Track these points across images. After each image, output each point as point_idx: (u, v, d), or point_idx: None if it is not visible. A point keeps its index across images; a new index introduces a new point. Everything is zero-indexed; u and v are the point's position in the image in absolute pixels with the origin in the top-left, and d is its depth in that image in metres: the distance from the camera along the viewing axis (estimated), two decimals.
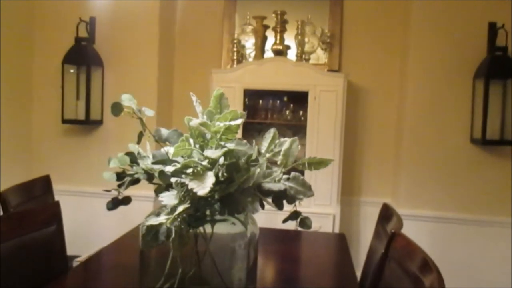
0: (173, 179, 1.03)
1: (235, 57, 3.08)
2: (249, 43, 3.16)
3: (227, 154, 1.04)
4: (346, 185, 3.04)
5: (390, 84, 3.09)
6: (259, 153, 1.22)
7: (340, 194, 2.88)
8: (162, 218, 0.96)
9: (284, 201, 1.21)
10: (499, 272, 2.69)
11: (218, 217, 1.18)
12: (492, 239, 2.71)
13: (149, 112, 1.20)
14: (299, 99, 2.92)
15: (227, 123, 1.05)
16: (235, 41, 3.07)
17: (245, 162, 1.12)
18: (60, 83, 2.99)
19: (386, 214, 1.79)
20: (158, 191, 1.26)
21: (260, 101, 3.00)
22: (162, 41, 3.09)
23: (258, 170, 1.11)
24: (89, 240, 2.90)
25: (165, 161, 1.18)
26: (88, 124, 2.98)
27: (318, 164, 1.18)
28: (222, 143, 1.09)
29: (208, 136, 1.10)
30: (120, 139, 3.08)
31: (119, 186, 1.38)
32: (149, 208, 3.06)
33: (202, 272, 1.21)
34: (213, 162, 1.08)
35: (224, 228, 1.20)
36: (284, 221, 1.27)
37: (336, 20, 3.10)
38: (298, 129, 2.95)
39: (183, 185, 1.01)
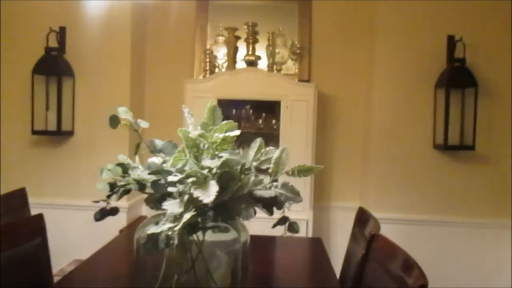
0: (173, 189, 1.08)
1: (207, 67, 3.13)
2: (220, 53, 3.21)
3: (224, 163, 1.10)
4: (316, 191, 3.13)
5: (357, 93, 3.22)
6: None
7: (313, 200, 2.97)
8: (166, 226, 1.00)
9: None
10: (464, 269, 2.86)
11: (210, 224, 1.23)
12: (456, 238, 2.87)
13: (144, 124, 1.24)
14: (271, 108, 3.00)
15: (224, 134, 1.10)
16: (208, 52, 3.12)
17: (239, 171, 1.18)
18: (29, 94, 2.94)
19: (362, 217, 1.88)
20: (149, 201, 1.30)
21: (234, 110, 3.06)
22: (134, 51, 3.09)
23: (253, 178, 1.17)
24: (60, 253, 2.85)
25: (161, 171, 1.22)
26: (59, 135, 2.94)
27: (307, 171, 1.26)
28: (217, 153, 1.14)
29: (205, 146, 1.15)
30: (92, 150, 3.05)
31: (108, 196, 1.40)
32: (122, 219, 3.06)
33: (197, 278, 1.25)
34: (209, 171, 1.13)
35: (218, 235, 1.25)
36: (274, 226, 1.33)
37: (305, 32, 3.22)
38: (270, 137, 3.02)
39: (181, 194, 1.05)
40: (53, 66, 2.92)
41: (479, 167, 2.87)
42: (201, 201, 0.96)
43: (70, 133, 3.02)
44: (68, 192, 3.03)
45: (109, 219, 3.22)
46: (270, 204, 1.26)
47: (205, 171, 1.04)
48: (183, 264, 1.23)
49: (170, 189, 1.13)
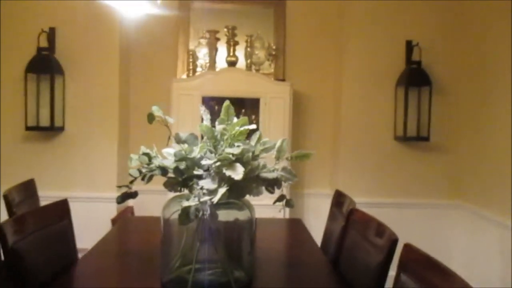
0: (201, 172, 1.35)
1: (190, 67, 3.38)
2: (201, 53, 3.47)
3: (242, 151, 1.38)
4: None
5: (326, 91, 3.57)
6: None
7: (289, 187, 3.29)
8: (202, 199, 1.27)
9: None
10: (421, 244, 3.26)
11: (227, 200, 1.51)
12: (413, 217, 3.27)
13: (170, 120, 1.50)
14: (251, 104, 3.30)
15: (242, 127, 1.39)
16: (191, 53, 3.37)
17: (251, 157, 1.47)
18: (22, 91, 3.09)
19: (339, 198, 2.21)
20: (167, 184, 1.57)
21: (216, 107, 3.32)
22: (122, 51, 3.29)
23: (263, 162, 1.46)
24: None
25: (185, 158, 1.49)
26: (52, 130, 3.11)
27: (302, 157, 1.56)
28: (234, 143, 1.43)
29: (223, 137, 1.43)
30: (82, 144, 3.24)
31: (131, 182, 1.65)
32: (112, 209, 3.26)
33: (215, 247, 1.53)
34: (225, 158, 1.41)
35: (233, 213, 1.53)
36: (274, 202, 1.63)
37: (280, 35, 3.53)
38: (250, 131, 3.30)
39: (210, 174, 1.34)
40: (45, 65, 3.09)
41: (434, 156, 3.29)
42: (233, 178, 1.24)
43: (61, 129, 3.20)
44: (60, 184, 3.21)
45: (100, 210, 3.44)
46: (273, 184, 1.56)
47: (231, 156, 1.32)
48: (203, 235, 1.51)
49: (196, 172, 1.40)
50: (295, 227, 2.49)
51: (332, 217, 2.24)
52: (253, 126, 1.41)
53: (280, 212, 3.21)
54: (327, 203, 3.57)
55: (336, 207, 2.22)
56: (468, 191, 3.16)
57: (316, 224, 3.19)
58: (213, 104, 3.29)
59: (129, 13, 1.98)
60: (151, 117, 1.43)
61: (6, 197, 1.97)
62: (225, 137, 1.41)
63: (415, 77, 3.19)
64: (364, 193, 3.28)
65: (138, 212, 3.55)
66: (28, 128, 3.09)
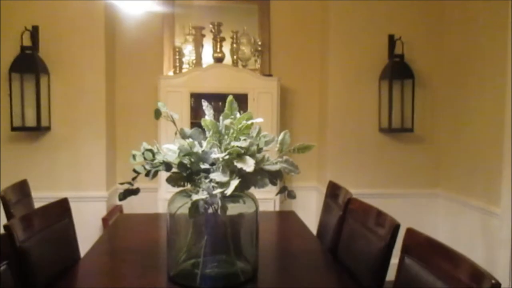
0: (207, 166, 1.38)
1: (177, 64, 3.38)
2: (187, 50, 3.47)
3: (249, 144, 1.42)
4: None
5: (312, 85, 3.64)
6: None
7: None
8: (215, 192, 1.30)
9: None
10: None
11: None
12: (398, 206, 3.36)
13: (175, 116, 1.52)
14: (239, 100, 3.31)
15: (247, 122, 1.42)
16: (177, 49, 3.37)
17: (256, 151, 1.50)
18: (6, 91, 3.03)
19: (334, 189, 2.27)
20: (170, 180, 1.59)
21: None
22: (107, 49, 3.27)
23: (267, 155, 1.50)
24: None
25: (190, 153, 1.51)
26: (38, 130, 3.06)
27: (304, 149, 1.61)
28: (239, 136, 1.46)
29: (229, 132, 1.47)
30: (69, 144, 3.21)
31: (133, 179, 1.67)
32: (102, 208, 3.24)
33: (223, 241, 1.56)
34: (234, 151, 1.44)
35: (239, 205, 1.56)
36: (277, 194, 1.68)
37: (265, 31, 3.57)
38: None
39: (220, 167, 1.36)
40: (29, 64, 3.03)
41: (417, 146, 3.40)
42: (243, 170, 1.28)
43: (48, 129, 3.15)
44: (49, 184, 3.16)
45: (90, 209, 3.41)
46: (275, 176, 1.60)
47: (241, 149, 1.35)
48: (211, 228, 1.54)
49: (203, 166, 1.43)
50: (290, 219, 2.54)
51: (326, 208, 2.30)
52: (260, 120, 1.44)
53: (275, 204, 3.32)
54: (314, 196, 3.67)
55: (331, 198, 2.27)
56: (449, 180, 3.27)
57: (304, 216, 3.23)
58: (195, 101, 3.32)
59: (129, 10, 1.96)
60: (158, 113, 1.45)
61: (3, 198, 1.95)
62: (231, 131, 1.44)
63: (398, 70, 3.27)
64: (351, 185, 3.30)
65: (125, 210, 3.55)
66: (14, 129, 3.03)
